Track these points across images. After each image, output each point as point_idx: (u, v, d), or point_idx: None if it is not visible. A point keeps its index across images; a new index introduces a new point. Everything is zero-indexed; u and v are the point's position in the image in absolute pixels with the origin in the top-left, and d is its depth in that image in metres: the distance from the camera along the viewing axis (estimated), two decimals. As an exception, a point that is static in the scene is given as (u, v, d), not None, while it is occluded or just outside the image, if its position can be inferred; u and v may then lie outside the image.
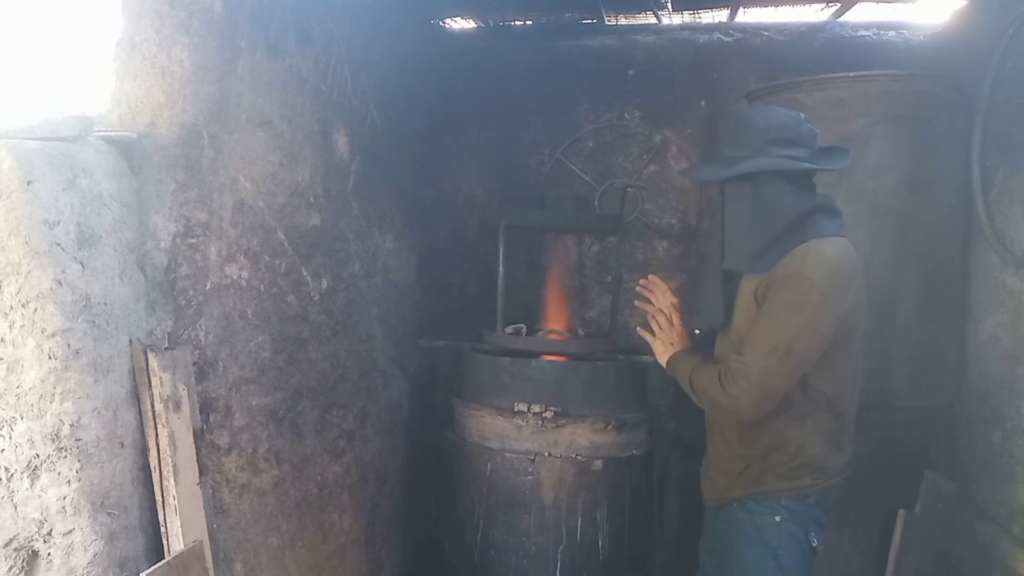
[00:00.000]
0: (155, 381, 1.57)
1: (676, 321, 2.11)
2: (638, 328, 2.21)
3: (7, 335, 1.35)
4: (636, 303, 2.21)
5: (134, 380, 1.58)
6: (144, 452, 1.60)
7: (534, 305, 3.33)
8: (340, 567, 2.55)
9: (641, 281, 2.19)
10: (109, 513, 1.49)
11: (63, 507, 1.41)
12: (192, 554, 1.56)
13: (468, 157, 3.60)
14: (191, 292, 1.77)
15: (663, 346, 2.11)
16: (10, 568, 1.36)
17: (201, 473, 1.66)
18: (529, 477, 2.64)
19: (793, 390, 1.80)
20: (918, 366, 2.60)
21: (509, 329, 2.97)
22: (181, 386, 1.63)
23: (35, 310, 1.35)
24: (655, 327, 2.13)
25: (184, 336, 1.75)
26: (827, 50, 3.27)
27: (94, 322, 1.46)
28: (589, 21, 3.50)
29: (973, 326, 2.65)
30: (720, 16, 3.41)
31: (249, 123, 1.96)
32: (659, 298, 2.14)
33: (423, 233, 3.37)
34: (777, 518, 1.88)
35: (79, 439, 1.42)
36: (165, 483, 1.59)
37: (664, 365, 2.10)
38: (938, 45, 3.11)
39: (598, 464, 2.66)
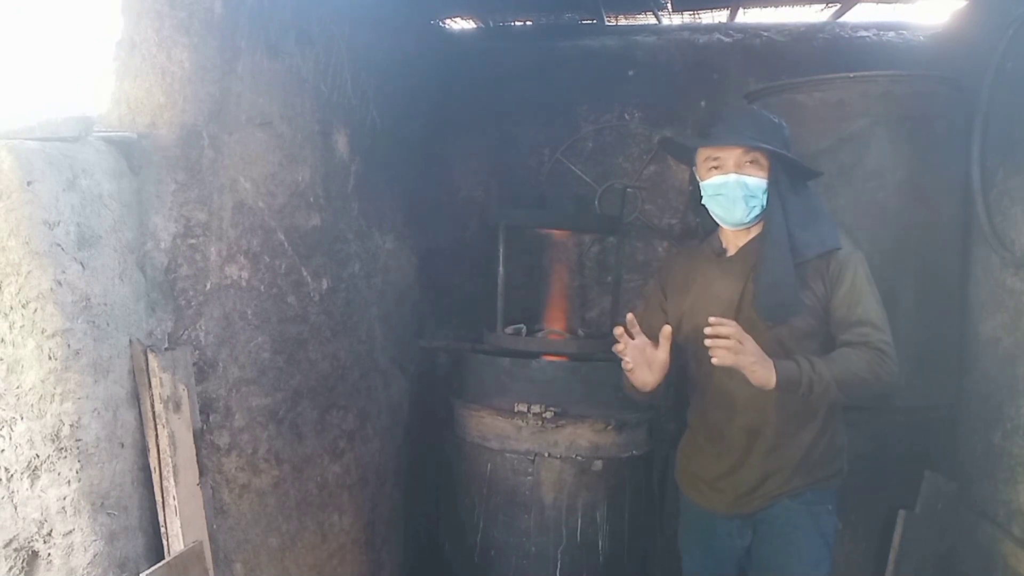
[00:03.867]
0: (155, 381, 1.57)
1: (737, 329, 1.76)
2: (713, 360, 1.76)
3: (7, 335, 1.35)
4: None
5: (134, 380, 1.58)
6: (144, 452, 1.60)
7: (534, 305, 3.33)
8: (340, 567, 2.55)
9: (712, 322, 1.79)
10: (109, 513, 1.49)
11: (63, 507, 1.41)
12: (192, 554, 1.56)
13: (468, 157, 3.60)
14: (191, 292, 1.77)
15: (761, 361, 1.76)
16: (10, 568, 1.36)
17: (201, 473, 1.66)
18: (529, 477, 2.64)
19: None
20: (918, 366, 2.59)
21: (509, 329, 2.97)
22: (181, 386, 1.63)
23: (35, 310, 1.35)
24: (733, 345, 1.75)
25: (184, 336, 1.75)
26: (827, 51, 3.28)
27: (94, 322, 1.46)
28: (589, 21, 3.50)
29: (973, 326, 2.65)
30: (720, 17, 3.41)
31: (249, 123, 1.96)
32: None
33: (423, 233, 3.37)
34: (829, 507, 1.95)
35: (79, 439, 1.42)
36: (165, 483, 1.59)
37: (773, 383, 1.75)
38: (938, 45, 3.11)
39: (598, 464, 2.66)
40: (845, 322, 1.84)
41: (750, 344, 1.76)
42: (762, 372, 1.75)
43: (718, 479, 2.00)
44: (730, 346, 1.74)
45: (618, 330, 1.89)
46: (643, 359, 1.89)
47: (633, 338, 1.89)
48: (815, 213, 1.91)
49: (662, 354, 1.88)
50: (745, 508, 1.97)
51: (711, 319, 1.77)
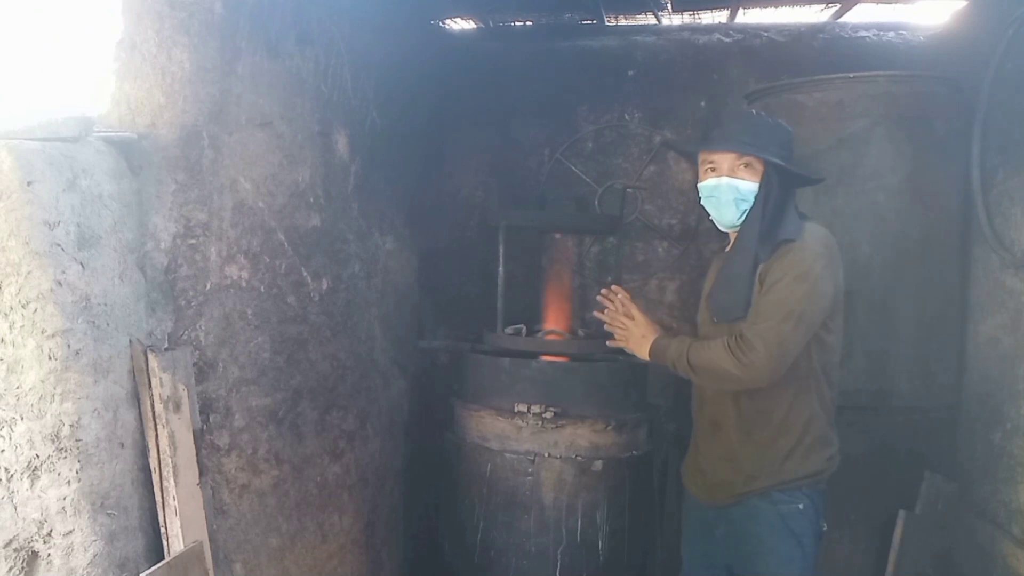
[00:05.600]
0: (155, 382, 1.57)
1: (635, 313, 2.13)
2: (607, 342, 2.23)
3: (7, 336, 1.35)
4: (596, 314, 2.24)
5: (134, 381, 1.58)
6: (144, 453, 1.60)
7: (534, 305, 3.33)
8: (340, 568, 2.55)
9: (603, 292, 2.22)
10: (109, 514, 1.49)
11: (63, 508, 1.41)
12: (192, 555, 1.56)
13: (468, 158, 3.60)
14: (191, 293, 1.77)
15: (637, 340, 2.11)
16: (10, 569, 1.36)
17: (201, 474, 1.66)
18: (529, 478, 2.63)
19: (797, 360, 1.86)
20: (918, 367, 2.60)
21: (509, 330, 2.97)
22: (181, 387, 1.63)
23: (35, 311, 1.35)
24: (618, 329, 2.15)
25: (184, 337, 1.75)
26: (827, 51, 3.28)
27: (94, 323, 1.46)
28: (589, 22, 3.50)
29: (973, 327, 2.65)
30: (720, 17, 3.41)
31: (249, 124, 1.96)
32: (613, 302, 2.18)
33: (423, 234, 3.37)
34: (800, 506, 1.93)
35: (79, 440, 1.42)
36: (165, 484, 1.59)
37: (648, 357, 2.08)
38: (938, 46, 3.11)
39: (598, 465, 2.65)
40: (752, 310, 1.88)
41: (635, 330, 2.10)
42: (639, 352, 2.11)
43: (699, 467, 2.11)
44: (609, 318, 2.16)
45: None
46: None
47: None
48: (783, 215, 1.93)
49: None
50: (716, 500, 2.04)
51: (599, 296, 2.19)
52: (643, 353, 2.09)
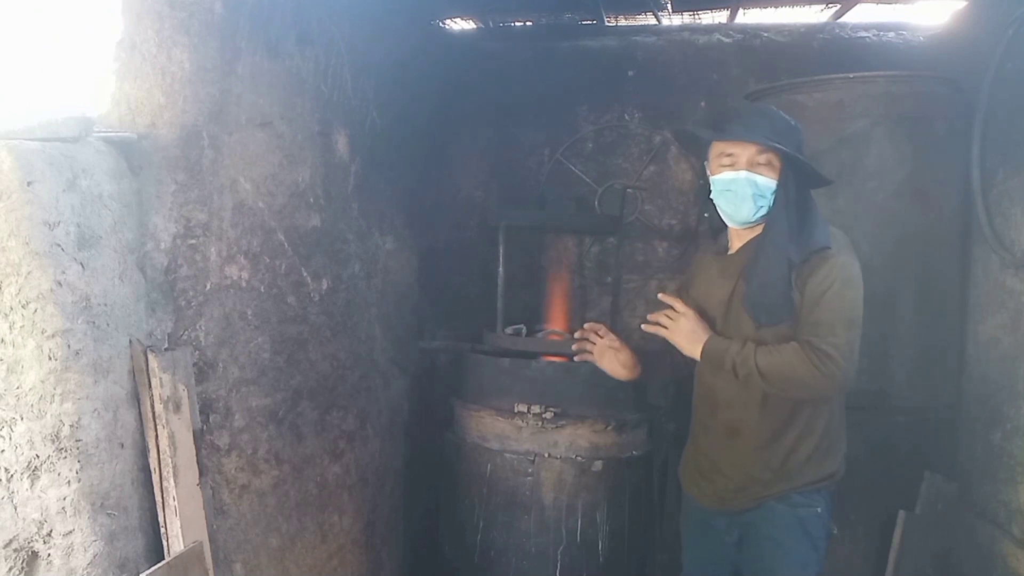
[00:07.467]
0: (155, 382, 1.57)
1: (681, 307, 1.96)
2: (642, 325, 2.04)
3: (7, 336, 1.35)
4: (644, 327, 2.07)
5: (134, 381, 1.58)
6: (144, 453, 1.60)
7: (534, 306, 3.33)
8: (340, 568, 2.55)
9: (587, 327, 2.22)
10: (109, 514, 1.49)
11: (63, 508, 1.41)
12: (192, 555, 1.56)
13: (468, 158, 3.60)
14: (191, 293, 1.77)
15: (687, 333, 1.94)
16: (10, 569, 1.36)
17: (201, 474, 1.66)
18: (529, 478, 2.63)
19: None
20: (918, 367, 2.60)
21: (509, 330, 2.97)
22: (181, 387, 1.63)
23: (35, 311, 1.35)
24: (664, 320, 1.98)
25: (184, 337, 1.75)
26: (827, 51, 3.28)
27: (94, 323, 1.46)
28: (589, 22, 3.50)
29: (973, 327, 2.65)
30: (720, 17, 3.41)
31: (249, 124, 1.96)
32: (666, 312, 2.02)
33: (423, 234, 3.37)
34: (819, 509, 1.92)
35: (79, 440, 1.42)
36: (165, 484, 1.59)
37: (699, 355, 1.92)
38: (938, 46, 3.11)
39: (598, 465, 2.65)
40: (804, 321, 1.83)
41: (684, 323, 1.95)
42: (688, 348, 1.95)
43: (705, 473, 2.05)
44: (663, 323, 1.98)
45: (588, 325, 2.22)
46: (610, 353, 2.17)
47: (602, 337, 2.18)
48: (810, 217, 1.90)
49: (623, 355, 2.16)
50: (730, 505, 2.00)
51: (659, 295, 2.05)
52: (693, 349, 1.93)
